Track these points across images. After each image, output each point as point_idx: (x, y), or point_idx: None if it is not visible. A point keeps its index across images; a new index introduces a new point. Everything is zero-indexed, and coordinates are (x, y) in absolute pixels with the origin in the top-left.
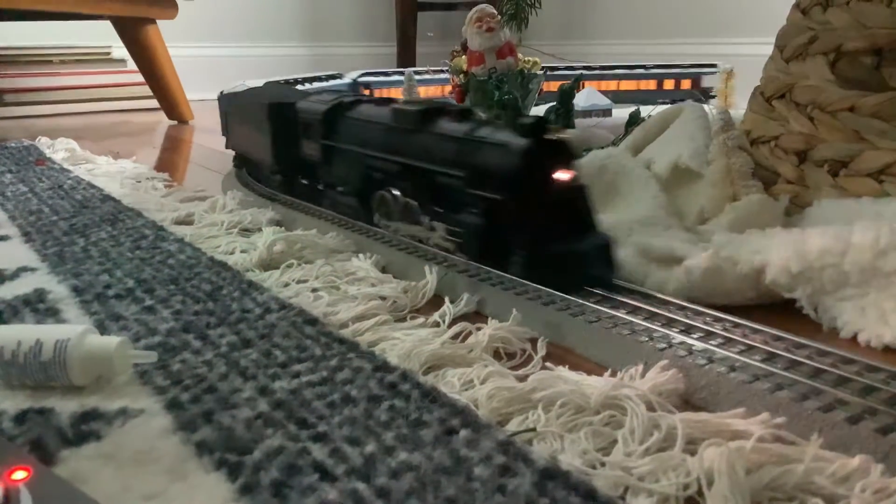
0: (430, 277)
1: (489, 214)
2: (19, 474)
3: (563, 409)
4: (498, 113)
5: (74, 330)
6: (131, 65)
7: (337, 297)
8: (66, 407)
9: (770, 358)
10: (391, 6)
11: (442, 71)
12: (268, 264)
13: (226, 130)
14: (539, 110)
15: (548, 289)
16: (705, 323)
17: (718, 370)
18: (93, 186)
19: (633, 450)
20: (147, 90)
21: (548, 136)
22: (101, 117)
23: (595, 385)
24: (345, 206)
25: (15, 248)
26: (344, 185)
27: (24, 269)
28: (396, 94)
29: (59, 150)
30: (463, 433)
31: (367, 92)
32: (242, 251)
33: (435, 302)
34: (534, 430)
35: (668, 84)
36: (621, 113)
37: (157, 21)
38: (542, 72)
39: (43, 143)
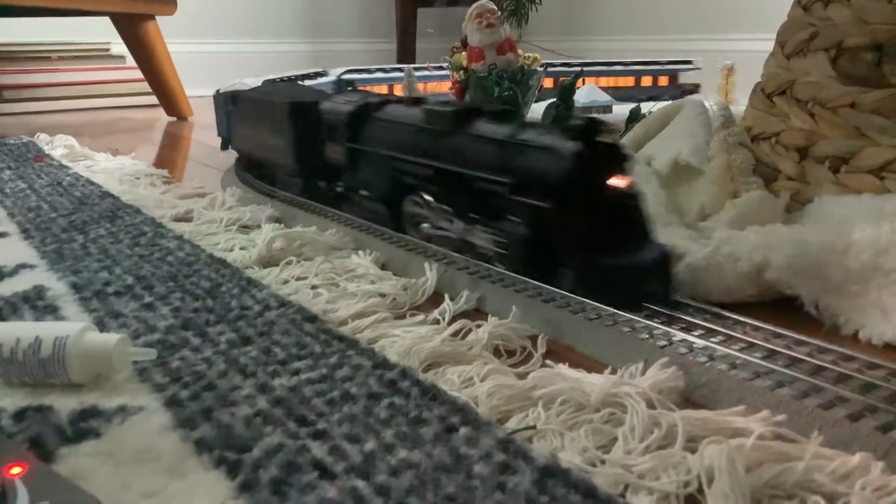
0: (430, 274)
1: (536, 223)
2: (15, 469)
3: (564, 406)
4: (552, 112)
5: (73, 327)
6: (130, 61)
7: (336, 295)
8: (65, 404)
9: (770, 355)
10: (391, 2)
11: (441, 67)
12: (267, 261)
13: (225, 130)
14: (539, 106)
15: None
16: (705, 320)
17: (719, 367)
18: (92, 183)
19: (633, 447)
20: (146, 87)
21: (600, 138)
22: (100, 114)
23: (595, 382)
24: (371, 211)
25: (14, 245)
26: (370, 190)
27: (23, 266)
28: (382, 91)
29: (57, 147)
30: (463, 431)
31: (349, 89)
32: (242, 248)
33: (435, 299)
34: (534, 427)
35: (646, 81)
36: (622, 109)
37: (157, 17)
38: (542, 68)
39: (42, 139)
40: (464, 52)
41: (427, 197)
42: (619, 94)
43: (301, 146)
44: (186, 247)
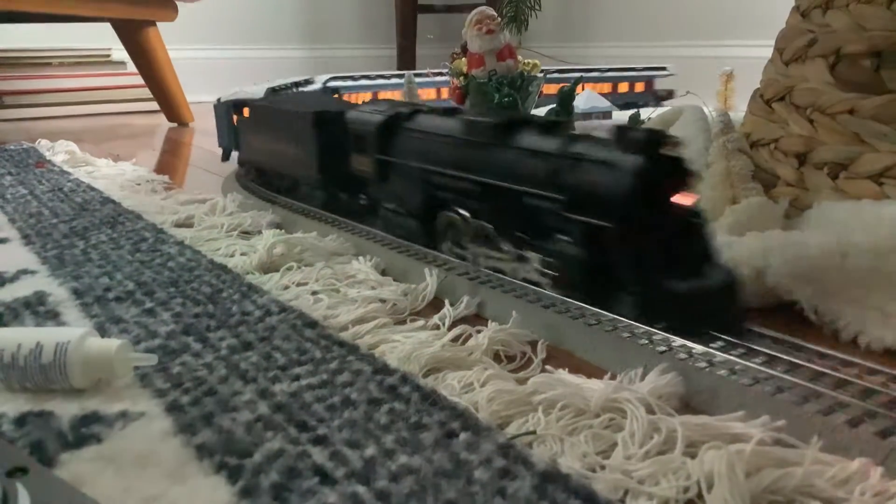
0: (430, 280)
1: (594, 244)
2: (17, 474)
3: (563, 411)
4: (619, 126)
5: (75, 333)
6: (131, 67)
7: (337, 300)
8: (66, 410)
9: (770, 361)
10: (391, 8)
11: (441, 73)
12: (268, 267)
13: (226, 141)
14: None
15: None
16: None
17: (718, 373)
18: (93, 189)
19: (633, 453)
20: (147, 92)
21: (664, 152)
22: (101, 119)
23: (595, 388)
24: (400, 226)
25: (15, 251)
26: (401, 204)
27: (24, 272)
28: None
29: (58, 153)
30: (463, 436)
31: (335, 96)
32: (242, 254)
33: (435, 304)
34: (534, 432)
35: (623, 87)
36: (621, 115)
37: (157, 23)
38: (541, 74)
39: (43, 145)
40: (464, 59)
41: (463, 212)
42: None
43: (325, 158)
44: (187, 252)
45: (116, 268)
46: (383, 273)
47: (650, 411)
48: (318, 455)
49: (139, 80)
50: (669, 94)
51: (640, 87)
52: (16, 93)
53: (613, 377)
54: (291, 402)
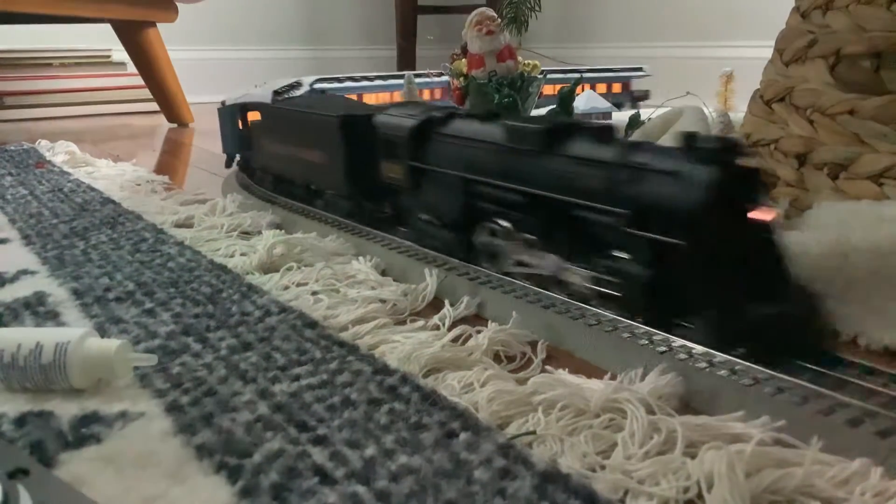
0: (430, 280)
1: (661, 263)
2: (18, 475)
3: (563, 412)
4: (686, 134)
5: (74, 333)
6: (131, 68)
7: (337, 300)
8: (66, 410)
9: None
10: (391, 9)
11: (441, 74)
12: (268, 267)
13: (231, 146)
14: (539, 113)
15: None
16: None
17: (718, 373)
18: (93, 189)
19: (633, 453)
20: (147, 93)
21: (738, 162)
22: (102, 120)
23: (595, 388)
24: (434, 237)
25: (15, 251)
26: (435, 214)
27: (24, 272)
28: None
29: (59, 153)
30: (463, 436)
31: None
32: (242, 254)
33: (435, 305)
34: (534, 433)
35: (601, 88)
36: (621, 116)
37: (158, 24)
38: (541, 75)
39: (43, 145)
40: (464, 59)
41: (505, 224)
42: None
43: (352, 165)
44: (187, 253)
45: (116, 268)
46: (383, 273)
47: (650, 411)
48: (318, 455)
49: (139, 80)
50: (645, 95)
51: (617, 87)
52: (16, 93)
53: (613, 377)
54: (291, 402)
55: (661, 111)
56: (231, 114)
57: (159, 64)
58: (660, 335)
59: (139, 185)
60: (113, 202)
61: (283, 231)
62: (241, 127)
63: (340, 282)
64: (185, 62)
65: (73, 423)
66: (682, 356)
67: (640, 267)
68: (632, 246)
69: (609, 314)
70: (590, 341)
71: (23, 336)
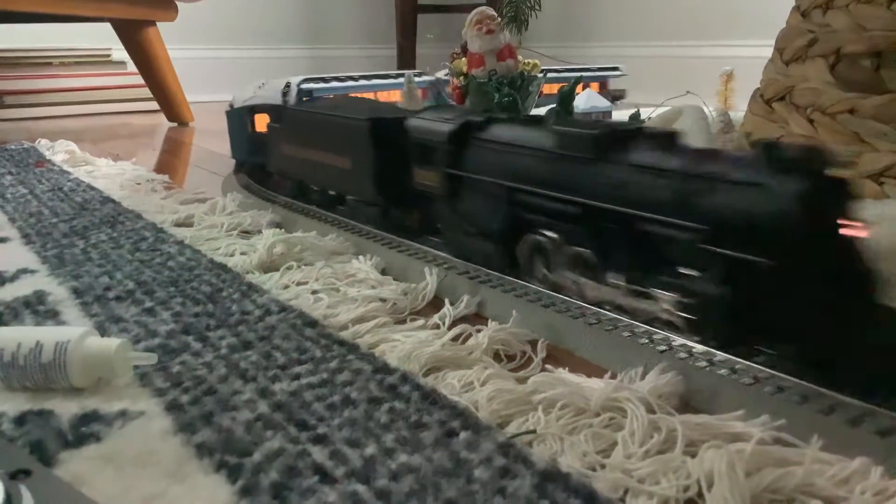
0: (430, 279)
1: (743, 283)
2: (21, 475)
3: (564, 411)
4: (759, 142)
5: (74, 332)
6: (131, 67)
7: (337, 299)
8: (66, 409)
9: (770, 359)
10: (391, 8)
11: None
12: (268, 266)
13: (241, 151)
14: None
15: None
16: None
17: (718, 372)
18: (92, 188)
19: (633, 452)
20: (147, 92)
21: (827, 172)
22: (101, 119)
23: (595, 387)
24: (475, 250)
25: (15, 250)
26: (475, 225)
27: (23, 271)
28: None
29: (58, 152)
30: (463, 435)
31: (305, 99)
32: (242, 253)
33: (435, 304)
34: (534, 432)
35: (578, 88)
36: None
37: (157, 23)
38: (542, 74)
39: (43, 144)
40: (464, 58)
41: (553, 236)
42: (540, 101)
43: (382, 171)
44: (187, 252)
45: (116, 267)
46: (383, 272)
47: (650, 410)
48: (318, 454)
49: (139, 79)
50: (622, 95)
51: (594, 87)
52: (16, 92)
53: (613, 376)
54: (291, 401)
55: (660, 110)
56: (240, 116)
57: (159, 63)
58: (660, 334)
59: (139, 184)
60: (113, 201)
61: (283, 230)
62: (251, 130)
63: (340, 281)
64: (184, 61)
65: (73, 421)
66: (683, 355)
67: (719, 287)
68: (708, 263)
69: (607, 314)
70: (590, 340)
71: (23, 335)
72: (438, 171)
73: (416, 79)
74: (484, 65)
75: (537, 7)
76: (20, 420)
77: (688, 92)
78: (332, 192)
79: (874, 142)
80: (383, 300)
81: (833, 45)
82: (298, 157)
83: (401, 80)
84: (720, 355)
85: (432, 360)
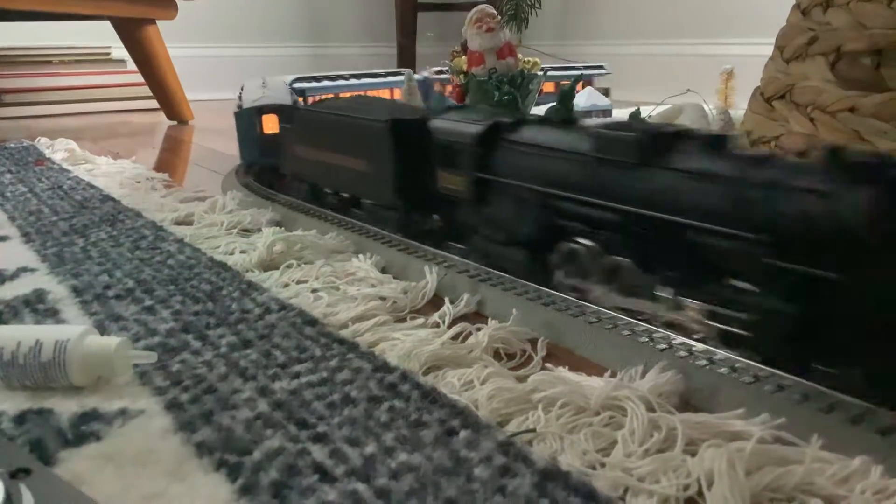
0: (430, 278)
1: (809, 300)
2: (21, 475)
3: (563, 409)
4: (831, 148)
5: (74, 330)
6: (131, 65)
7: (337, 298)
8: (65, 408)
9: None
10: (391, 6)
11: (442, 71)
12: (267, 265)
13: (251, 153)
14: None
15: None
16: None
17: (719, 371)
18: (92, 187)
19: (633, 450)
20: (147, 90)
21: None
22: (101, 118)
23: (595, 386)
24: (504, 257)
25: (14, 249)
26: (503, 231)
27: (23, 270)
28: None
29: (58, 151)
30: (463, 434)
31: (300, 100)
32: (242, 251)
33: (435, 302)
34: (534, 430)
35: (564, 85)
36: (621, 113)
37: (157, 21)
38: (542, 72)
39: (42, 143)
40: (464, 57)
41: (590, 244)
42: (540, 100)
43: (400, 173)
44: (187, 250)
45: (116, 265)
46: (383, 271)
47: (650, 409)
48: (318, 453)
49: (139, 78)
50: (606, 93)
51: (578, 86)
52: (16, 90)
53: (613, 375)
54: (291, 399)
55: (661, 108)
56: (250, 117)
57: (159, 61)
58: (660, 332)
59: (139, 182)
60: (112, 199)
61: (282, 228)
62: (261, 131)
63: (340, 279)
64: (184, 59)
65: (72, 420)
66: (683, 354)
67: (782, 303)
68: (767, 277)
69: (607, 312)
70: (590, 339)
71: (22, 334)
72: (465, 174)
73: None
74: (484, 63)
75: (537, 5)
76: (20, 419)
77: (688, 90)
78: (346, 195)
79: (875, 140)
80: (383, 298)
81: (833, 44)
82: (312, 159)
83: (392, 78)
84: (720, 354)
85: (432, 358)
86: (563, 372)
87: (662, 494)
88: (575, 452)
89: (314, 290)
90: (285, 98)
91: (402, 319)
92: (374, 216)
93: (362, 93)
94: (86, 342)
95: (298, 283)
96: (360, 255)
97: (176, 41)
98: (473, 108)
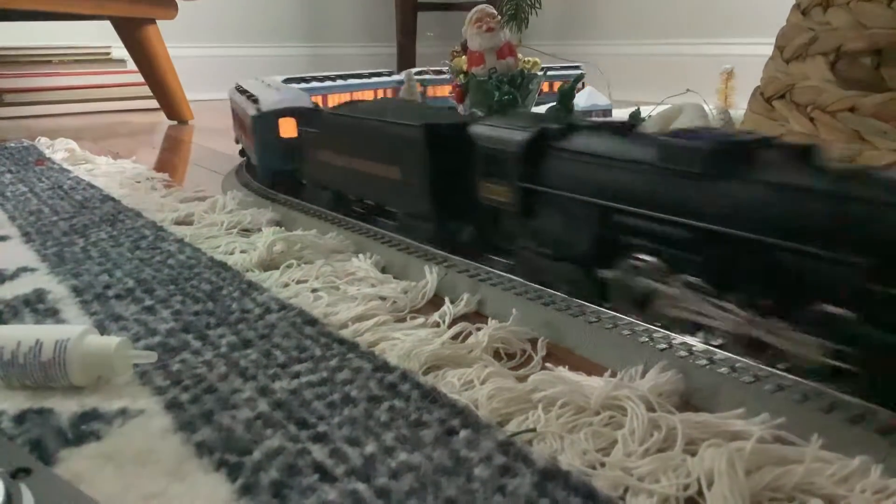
0: (430, 277)
1: None
2: (21, 474)
3: (564, 409)
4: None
5: (74, 330)
6: (131, 65)
7: (337, 298)
8: (65, 407)
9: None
10: (391, 6)
11: (441, 71)
12: (268, 264)
13: (273, 160)
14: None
15: None
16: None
17: (719, 371)
18: (92, 186)
19: (633, 450)
20: (147, 90)
21: None
22: (101, 117)
23: (595, 385)
24: (555, 273)
25: (15, 249)
26: (553, 245)
27: (23, 270)
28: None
29: (58, 151)
30: (463, 433)
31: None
32: (242, 251)
33: (435, 302)
34: (534, 430)
35: (544, 86)
36: (621, 113)
37: (157, 21)
38: (542, 72)
39: (43, 143)
40: (464, 56)
41: (653, 260)
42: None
43: (439, 183)
44: (187, 250)
45: (116, 265)
46: (383, 270)
47: (650, 409)
48: (318, 452)
49: (139, 77)
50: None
51: (557, 86)
52: (16, 90)
53: (614, 375)
54: (291, 399)
55: (660, 108)
56: (270, 121)
57: (159, 61)
58: (660, 332)
59: (139, 182)
60: (113, 199)
61: (282, 228)
62: (281, 136)
63: (340, 279)
64: (184, 59)
65: (72, 420)
66: (683, 353)
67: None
68: (879, 307)
69: (608, 312)
70: (590, 338)
71: (22, 333)
72: (511, 184)
73: (386, 78)
74: (484, 63)
75: (537, 5)
76: (20, 418)
77: (688, 90)
78: (371, 203)
79: (874, 140)
80: (383, 298)
81: (833, 43)
82: (338, 165)
83: (376, 79)
84: (720, 353)
85: (432, 358)
86: (563, 372)
87: (662, 494)
88: (575, 452)
89: (314, 290)
90: (303, 100)
91: (403, 319)
92: (406, 227)
93: (349, 95)
94: (86, 342)
95: (298, 282)
96: (360, 255)
97: (176, 41)
98: (516, 112)
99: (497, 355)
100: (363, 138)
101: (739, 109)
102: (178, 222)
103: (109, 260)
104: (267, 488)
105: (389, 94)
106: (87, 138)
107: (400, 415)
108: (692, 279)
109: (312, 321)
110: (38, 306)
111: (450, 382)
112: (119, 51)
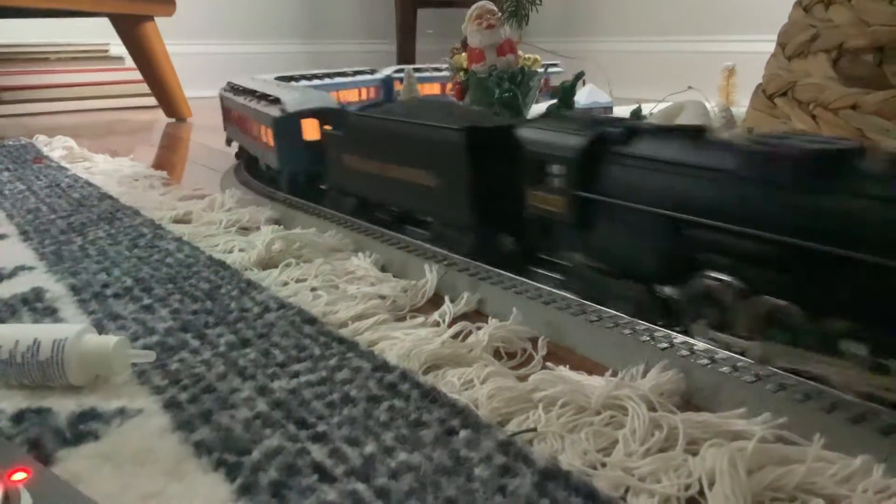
0: (430, 276)
1: None
2: (19, 475)
3: (564, 409)
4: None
5: (72, 329)
6: (129, 62)
7: (336, 297)
8: (63, 407)
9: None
10: (390, 3)
11: (438, 69)
12: (266, 263)
13: (297, 162)
14: (540, 107)
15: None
16: None
17: (720, 370)
18: (90, 184)
19: (634, 450)
20: (145, 88)
21: None
22: (99, 115)
23: (596, 385)
24: (614, 290)
25: (12, 247)
26: (614, 260)
27: (21, 268)
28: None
29: (56, 148)
30: (463, 433)
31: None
32: (241, 250)
33: (435, 301)
34: (534, 430)
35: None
36: (623, 110)
37: (156, 18)
38: (542, 69)
39: (40, 141)
40: (464, 54)
41: (733, 280)
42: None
43: (480, 191)
44: (185, 248)
45: (114, 264)
46: (383, 269)
47: (651, 408)
48: (318, 452)
49: (137, 75)
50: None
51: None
52: (13, 88)
53: (615, 374)
54: (290, 398)
55: (662, 106)
56: (295, 123)
57: (157, 58)
58: (661, 331)
59: (137, 180)
60: (111, 197)
61: (281, 227)
62: (305, 139)
63: (340, 278)
64: (183, 56)
65: (70, 419)
66: (684, 353)
67: None
68: None
69: (609, 311)
70: (591, 338)
71: (20, 332)
72: (565, 193)
73: (368, 76)
74: (484, 60)
75: (538, 2)
76: (18, 418)
77: (689, 87)
78: (395, 210)
79: (877, 137)
80: (383, 297)
81: (835, 41)
82: (365, 170)
83: (360, 77)
84: (721, 353)
85: (432, 357)
86: (563, 371)
87: (663, 494)
88: (576, 452)
89: (313, 289)
90: (329, 101)
91: (402, 318)
92: (442, 237)
93: (335, 93)
94: (84, 341)
95: (297, 281)
96: (360, 254)
97: (174, 38)
98: (565, 115)
99: (497, 354)
100: (395, 142)
101: (741, 107)
102: (177, 220)
103: (107, 258)
104: (266, 488)
105: (373, 93)
106: (85, 136)
107: (400, 414)
108: (780, 302)
109: (311, 320)
110: (35, 305)
111: (450, 382)
112: (117, 48)
